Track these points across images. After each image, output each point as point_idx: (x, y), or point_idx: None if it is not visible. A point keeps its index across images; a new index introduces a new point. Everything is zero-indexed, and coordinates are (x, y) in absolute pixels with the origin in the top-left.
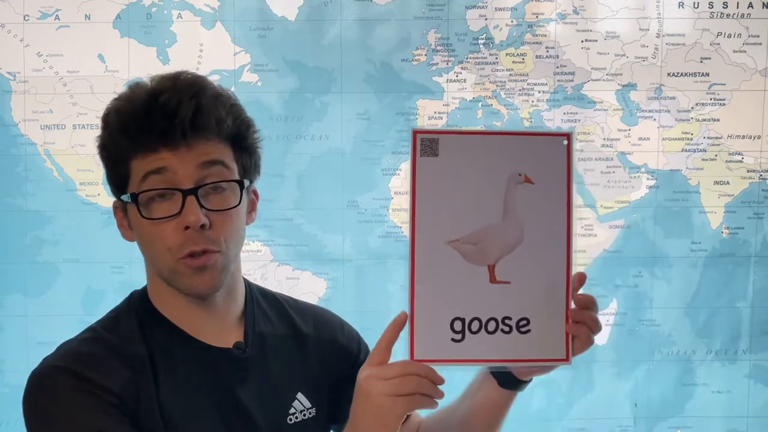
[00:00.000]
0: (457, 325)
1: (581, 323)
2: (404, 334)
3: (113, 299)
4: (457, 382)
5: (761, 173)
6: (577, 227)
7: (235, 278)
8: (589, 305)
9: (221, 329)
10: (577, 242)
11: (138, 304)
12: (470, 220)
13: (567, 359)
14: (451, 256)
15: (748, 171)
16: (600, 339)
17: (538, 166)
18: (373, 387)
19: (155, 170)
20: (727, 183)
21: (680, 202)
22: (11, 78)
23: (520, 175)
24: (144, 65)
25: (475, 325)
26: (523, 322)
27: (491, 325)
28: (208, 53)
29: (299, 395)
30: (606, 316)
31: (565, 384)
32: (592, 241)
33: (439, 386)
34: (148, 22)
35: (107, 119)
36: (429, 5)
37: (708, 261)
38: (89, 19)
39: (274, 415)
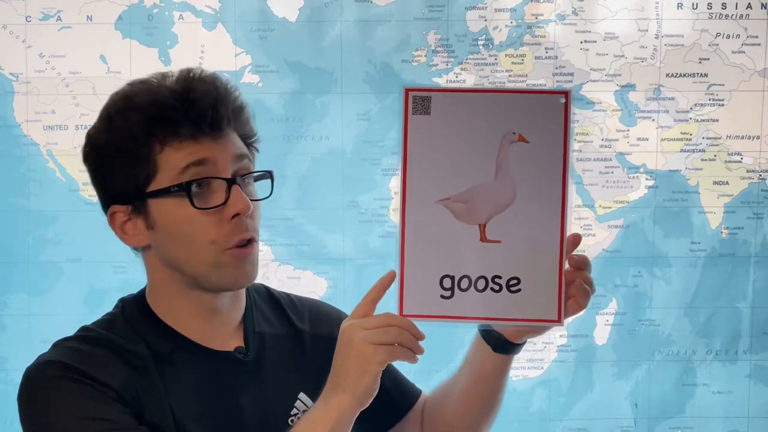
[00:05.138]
0: (447, 283)
1: (576, 284)
2: (393, 290)
3: (116, 298)
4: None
5: (760, 173)
6: (575, 227)
7: None
8: (583, 266)
9: (224, 333)
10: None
11: (133, 309)
12: (462, 179)
13: (559, 320)
14: (442, 214)
15: (747, 171)
16: (600, 339)
17: (534, 125)
18: (356, 334)
19: (196, 162)
20: (727, 183)
21: (679, 202)
22: (14, 79)
23: (514, 133)
24: (146, 66)
25: (464, 283)
26: (514, 282)
27: (481, 284)
28: (209, 54)
29: (301, 395)
30: (605, 316)
31: (565, 384)
32: (590, 240)
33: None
34: (149, 23)
35: (125, 112)
36: (429, 6)
37: (707, 261)
38: (91, 20)
39: (277, 418)
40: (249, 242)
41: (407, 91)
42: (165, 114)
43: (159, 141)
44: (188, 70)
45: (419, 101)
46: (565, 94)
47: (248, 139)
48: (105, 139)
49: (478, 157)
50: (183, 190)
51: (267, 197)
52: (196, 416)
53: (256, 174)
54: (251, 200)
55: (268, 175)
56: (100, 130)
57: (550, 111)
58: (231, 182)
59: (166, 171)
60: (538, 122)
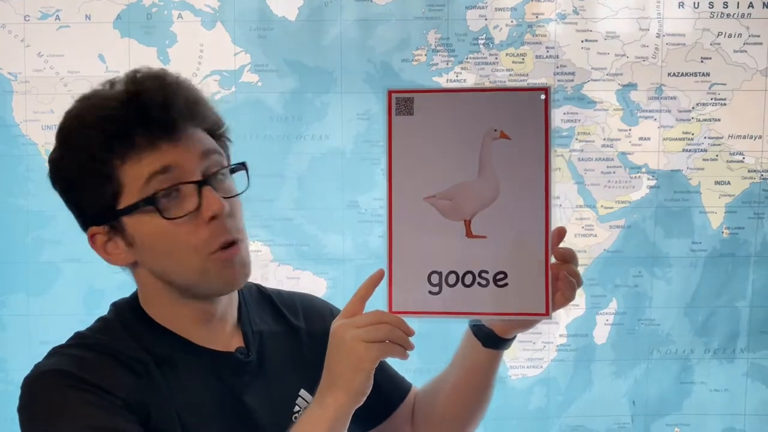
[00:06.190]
0: (435, 279)
1: (562, 277)
2: (382, 288)
3: (114, 299)
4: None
5: (762, 173)
6: (577, 227)
7: None
8: (569, 258)
9: (221, 334)
10: (577, 242)
11: (126, 313)
12: (446, 177)
13: (547, 313)
14: (428, 211)
15: (748, 171)
16: (599, 338)
17: (515, 122)
18: (347, 333)
19: (160, 170)
20: (728, 183)
21: (681, 202)
22: (12, 78)
23: (495, 130)
24: (144, 65)
25: (452, 279)
26: (500, 276)
27: (468, 279)
28: (208, 53)
29: (302, 392)
30: (605, 316)
31: (564, 382)
32: (592, 241)
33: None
34: (148, 22)
35: (80, 132)
36: (429, 5)
37: (708, 261)
38: (89, 19)
39: (280, 417)
40: (233, 243)
41: (390, 92)
42: (117, 127)
43: (118, 156)
44: (134, 72)
45: (402, 102)
46: (545, 90)
47: (216, 130)
48: (67, 162)
49: (462, 155)
50: (150, 203)
51: (244, 191)
52: (202, 419)
53: (229, 168)
54: (228, 197)
55: (242, 167)
56: (61, 155)
57: (531, 108)
58: (201, 184)
59: (130, 186)
60: (519, 119)
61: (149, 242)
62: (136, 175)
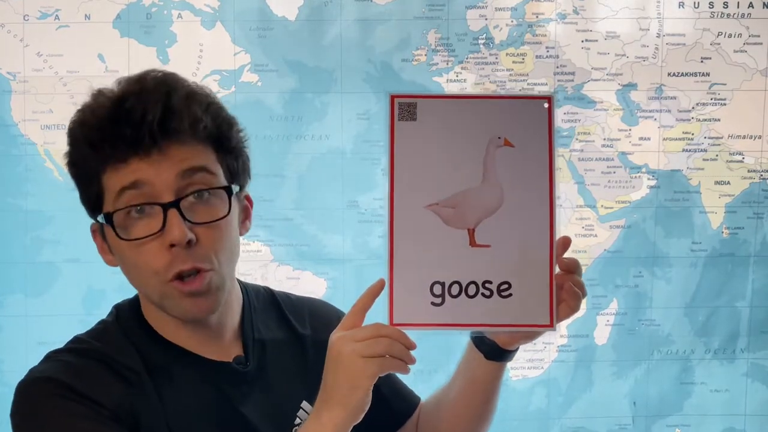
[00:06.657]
0: (437, 289)
1: (566, 287)
2: (383, 299)
3: (114, 299)
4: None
5: (762, 173)
6: (578, 227)
7: (231, 292)
8: (573, 269)
9: (219, 343)
10: (578, 242)
11: (127, 317)
12: (449, 184)
13: (551, 324)
14: (431, 219)
15: (748, 171)
16: (600, 339)
17: (519, 130)
18: (345, 348)
19: (129, 185)
20: (728, 183)
21: (681, 202)
22: (11, 78)
23: (499, 138)
24: (144, 65)
25: (455, 289)
26: (504, 286)
27: (471, 289)
28: (208, 53)
29: (303, 404)
30: (606, 316)
31: (564, 383)
32: (592, 241)
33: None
34: (148, 22)
35: (72, 133)
36: (429, 5)
37: (708, 261)
38: (89, 19)
39: (280, 428)
40: (198, 273)
41: (393, 97)
42: (98, 135)
43: (102, 162)
44: (133, 79)
45: (405, 107)
46: (548, 99)
47: (223, 144)
48: (68, 157)
49: (465, 162)
50: (107, 221)
51: (223, 217)
52: (194, 429)
53: (208, 189)
54: (204, 222)
55: (223, 190)
56: (67, 152)
57: (534, 116)
58: (167, 207)
59: (108, 195)
60: (523, 127)
61: (119, 254)
62: (112, 185)
